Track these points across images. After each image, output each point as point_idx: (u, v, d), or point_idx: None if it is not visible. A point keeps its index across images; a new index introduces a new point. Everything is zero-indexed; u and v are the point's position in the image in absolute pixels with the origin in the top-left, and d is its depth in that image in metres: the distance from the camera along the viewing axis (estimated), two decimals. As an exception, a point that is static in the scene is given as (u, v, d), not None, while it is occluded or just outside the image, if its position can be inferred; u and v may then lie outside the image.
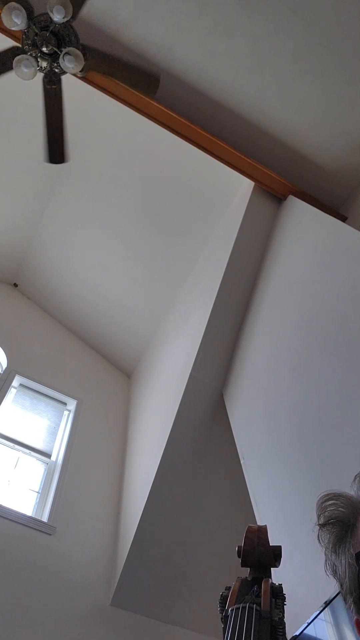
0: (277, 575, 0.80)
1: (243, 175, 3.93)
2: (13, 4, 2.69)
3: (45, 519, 3.81)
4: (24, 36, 2.87)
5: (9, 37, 3.29)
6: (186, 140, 3.77)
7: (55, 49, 2.88)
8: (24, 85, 3.32)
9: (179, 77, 3.61)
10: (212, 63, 3.54)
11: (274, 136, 3.84)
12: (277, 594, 0.75)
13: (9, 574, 3.33)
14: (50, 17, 2.73)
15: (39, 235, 5.46)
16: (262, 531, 0.84)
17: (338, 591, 1.91)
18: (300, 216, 3.71)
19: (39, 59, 2.92)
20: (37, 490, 4.16)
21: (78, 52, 2.84)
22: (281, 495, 2.64)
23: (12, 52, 2.92)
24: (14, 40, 3.27)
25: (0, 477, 4.07)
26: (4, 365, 5.01)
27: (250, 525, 0.85)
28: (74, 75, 3.12)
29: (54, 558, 3.60)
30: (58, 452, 4.50)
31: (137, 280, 5.23)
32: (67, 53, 2.84)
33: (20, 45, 2.93)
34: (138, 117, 3.70)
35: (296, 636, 2.11)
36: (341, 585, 0.66)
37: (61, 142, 3.22)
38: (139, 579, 3.57)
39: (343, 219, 3.90)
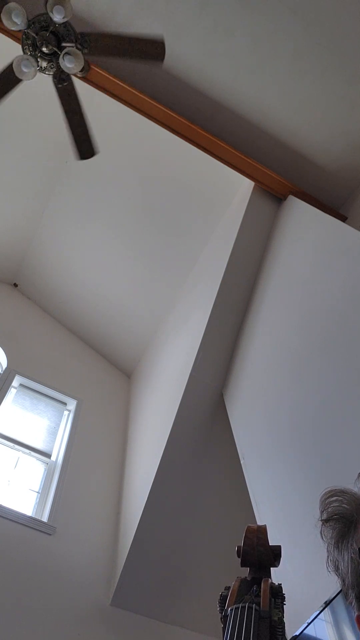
0: (277, 575, 0.81)
1: (243, 175, 3.93)
2: (13, 4, 2.69)
3: (45, 519, 3.81)
4: (24, 36, 2.87)
5: (9, 37, 3.29)
6: (186, 140, 3.77)
7: (55, 49, 2.88)
8: (24, 85, 3.31)
9: (179, 77, 3.61)
10: (212, 63, 3.54)
11: (274, 136, 3.84)
12: (277, 593, 0.75)
13: (9, 574, 3.33)
14: (50, 17, 2.73)
15: (39, 235, 5.46)
16: (262, 531, 0.84)
17: (338, 591, 1.92)
18: (300, 216, 3.71)
19: (39, 59, 2.92)
20: (37, 490, 4.16)
21: (78, 52, 2.84)
22: (281, 495, 2.64)
23: (13, 78, 2.91)
24: (14, 40, 3.27)
25: (0, 477, 4.07)
26: (4, 365, 5.01)
27: (250, 525, 0.85)
28: (74, 75, 3.11)
29: (54, 558, 3.60)
30: (58, 452, 4.50)
31: (137, 280, 5.23)
32: (67, 53, 2.84)
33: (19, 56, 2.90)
34: (138, 117, 3.70)
35: (296, 636, 2.11)
36: (343, 582, 0.66)
37: (87, 136, 3.20)
38: (139, 579, 3.57)
39: (343, 219, 3.90)
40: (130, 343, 5.61)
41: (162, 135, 3.81)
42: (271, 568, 0.82)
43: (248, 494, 2.95)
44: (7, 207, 5.27)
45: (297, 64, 3.48)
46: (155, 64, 3.12)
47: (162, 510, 3.59)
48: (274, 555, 0.82)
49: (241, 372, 3.54)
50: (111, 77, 3.51)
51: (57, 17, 2.70)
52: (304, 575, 2.22)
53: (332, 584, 1.93)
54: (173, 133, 3.74)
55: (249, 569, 0.82)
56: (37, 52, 2.90)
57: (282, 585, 0.77)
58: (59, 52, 2.88)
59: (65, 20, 2.73)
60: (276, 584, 0.76)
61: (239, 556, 0.82)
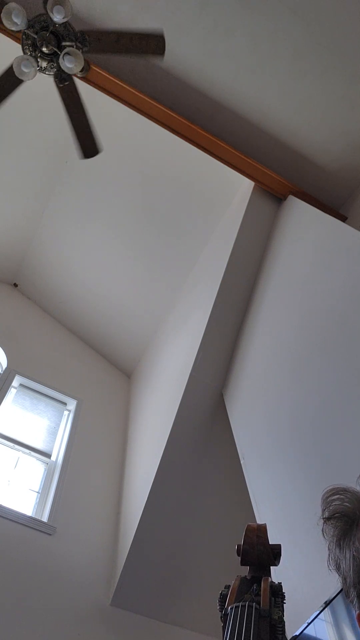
0: (277, 575, 0.80)
1: (243, 175, 3.93)
2: (13, 4, 2.69)
3: (45, 519, 3.81)
4: (23, 36, 2.87)
5: (9, 37, 3.29)
6: (186, 140, 3.77)
7: (55, 49, 2.88)
8: (24, 85, 3.31)
9: (179, 77, 3.61)
10: (212, 63, 3.54)
11: (274, 136, 3.84)
12: (277, 592, 0.75)
13: (9, 574, 3.33)
14: (50, 17, 2.73)
15: (39, 235, 5.46)
16: (262, 530, 0.84)
17: (338, 591, 1.92)
18: (300, 216, 3.71)
19: (39, 60, 2.92)
20: (37, 490, 4.16)
21: (78, 52, 2.84)
22: (281, 495, 2.64)
23: (14, 80, 2.91)
24: (14, 40, 3.27)
25: (0, 477, 4.07)
26: (4, 365, 5.01)
27: (250, 524, 0.85)
28: (74, 75, 3.11)
29: (54, 558, 3.60)
30: (58, 452, 4.50)
31: (137, 280, 5.23)
32: (67, 53, 2.84)
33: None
34: (138, 117, 3.70)
35: (296, 636, 2.11)
36: (344, 580, 0.66)
37: (90, 134, 3.20)
38: (139, 579, 3.56)
39: (343, 219, 3.91)
40: (130, 343, 5.61)
41: (162, 135, 3.81)
42: (271, 567, 0.82)
43: (248, 494, 2.95)
44: (7, 207, 5.27)
45: (297, 64, 3.48)
46: (155, 59, 3.09)
47: (162, 510, 3.59)
48: (274, 554, 0.82)
49: (241, 372, 3.54)
50: (111, 77, 3.52)
51: (57, 17, 2.71)
52: (304, 575, 2.22)
53: (332, 584, 1.93)
54: (173, 133, 3.74)
55: (248, 567, 0.82)
56: (37, 53, 2.90)
57: (282, 585, 0.77)
58: (59, 52, 2.88)
59: (65, 20, 2.73)
60: (276, 582, 0.76)
61: (238, 555, 0.82)
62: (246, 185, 4.19)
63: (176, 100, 3.68)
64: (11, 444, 4.34)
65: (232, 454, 3.28)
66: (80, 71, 2.95)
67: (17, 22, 2.73)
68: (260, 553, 0.81)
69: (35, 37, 2.82)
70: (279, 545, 0.83)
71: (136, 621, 3.50)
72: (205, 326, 3.76)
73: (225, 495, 3.67)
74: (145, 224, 4.84)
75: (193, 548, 3.68)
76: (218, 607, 0.75)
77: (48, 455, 4.48)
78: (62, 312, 5.81)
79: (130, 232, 4.96)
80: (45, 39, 2.84)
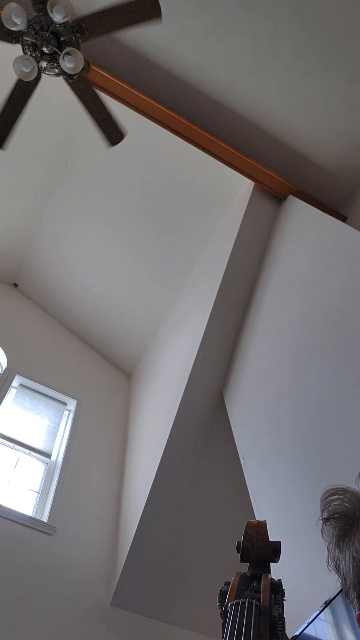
0: (277, 574, 0.80)
1: (243, 175, 3.93)
2: (13, 4, 2.69)
3: (45, 519, 3.81)
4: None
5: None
6: (186, 140, 3.77)
7: (56, 49, 2.88)
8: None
9: (179, 77, 3.61)
10: (212, 63, 3.54)
11: (274, 136, 3.84)
12: (277, 589, 0.75)
13: (9, 574, 3.33)
14: (50, 17, 2.73)
15: (39, 235, 5.46)
16: (262, 527, 0.84)
17: (338, 591, 1.92)
18: (300, 216, 3.71)
19: (39, 60, 2.92)
20: (37, 490, 4.16)
21: (78, 52, 2.84)
22: (281, 495, 2.64)
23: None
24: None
25: (0, 477, 4.07)
26: (4, 365, 5.01)
27: (250, 520, 0.85)
28: (67, 82, 3.10)
29: (54, 558, 3.60)
30: (58, 452, 4.50)
31: (137, 280, 5.23)
32: (67, 53, 2.84)
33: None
34: (138, 117, 3.70)
35: (296, 636, 2.11)
36: (344, 580, 0.65)
37: (112, 121, 3.17)
38: (139, 579, 3.56)
39: (343, 219, 3.91)
40: (130, 343, 5.61)
41: (162, 135, 3.81)
42: (271, 565, 0.82)
43: (248, 494, 2.95)
44: (7, 207, 5.27)
45: (297, 64, 3.48)
46: (155, 23, 3.00)
47: (162, 510, 3.59)
48: (274, 551, 0.82)
49: (241, 372, 3.54)
50: (111, 77, 3.52)
51: (57, 17, 2.71)
52: (303, 575, 2.22)
53: (332, 584, 1.93)
54: (173, 133, 3.74)
55: (248, 564, 0.82)
56: (37, 53, 2.90)
57: (282, 583, 0.77)
58: (59, 52, 2.88)
59: (65, 20, 2.74)
60: (276, 579, 0.76)
61: (238, 552, 0.82)
62: (246, 185, 4.19)
63: (176, 100, 3.68)
64: (11, 444, 4.34)
65: (232, 454, 3.27)
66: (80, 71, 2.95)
67: (17, 22, 2.73)
68: (260, 550, 0.81)
69: (36, 37, 2.82)
70: (279, 542, 0.82)
71: (136, 621, 3.50)
72: (205, 326, 3.76)
73: (225, 495, 3.67)
74: (145, 224, 4.84)
75: (193, 548, 3.68)
76: (218, 604, 0.74)
77: (48, 455, 4.48)
78: (62, 312, 5.81)
79: (130, 232, 4.96)
80: (45, 39, 2.84)
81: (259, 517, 2.76)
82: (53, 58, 2.91)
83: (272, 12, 3.26)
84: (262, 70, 3.54)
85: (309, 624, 2.07)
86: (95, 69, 3.43)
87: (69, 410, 5.03)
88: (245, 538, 0.82)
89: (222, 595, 0.75)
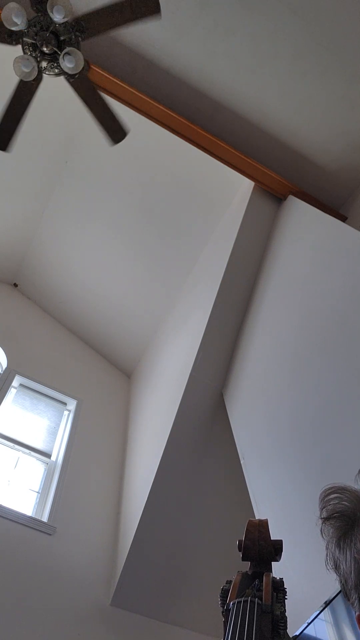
0: (277, 574, 0.80)
1: (243, 175, 3.93)
2: (13, 4, 2.69)
3: (45, 519, 3.81)
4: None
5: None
6: (186, 140, 3.77)
7: (56, 49, 2.88)
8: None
9: (179, 77, 3.61)
10: (212, 63, 3.54)
11: (274, 136, 3.84)
12: (278, 588, 0.74)
13: (9, 574, 3.33)
14: (50, 17, 2.73)
15: (39, 235, 5.46)
16: (263, 525, 0.84)
17: (338, 591, 1.92)
18: (300, 216, 3.71)
19: (39, 60, 2.92)
20: (37, 490, 4.16)
21: (78, 52, 2.84)
22: (281, 495, 2.64)
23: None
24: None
25: (0, 477, 4.07)
26: (4, 365, 5.01)
27: (251, 519, 0.84)
28: (68, 80, 3.11)
29: (54, 558, 3.60)
30: (58, 452, 4.50)
31: (137, 280, 5.23)
32: (67, 53, 2.84)
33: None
34: (138, 117, 3.70)
35: (296, 636, 2.11)
36: (345, 582, 0.65)
37: (113, 119, 3.17)
38: (139, 579, 3.56)
39: (343, 219, 3.91)
40: (130, 343, 5.61)
41: (162, 135, 3.81)
42: (272, 564, 0.82)
43: (248, 493, 2.95)
44: (7, 207, 5.27)
45: (297, 64, 3.48)
46: (154, 19, 3.00)
47: (162, 510, 3.59)
48: (275, 549, 0.82)
49: (241, 372, 3.54)
50: (111, 77, 3.52)
51: (57, 17, 2.71)
52: (304, 575, 2.22)
53: (332, 584, 1.93)
54: (173, 133, 3.74)
55: (249, 563, 0.82)
56: (37, 53, 2.90)
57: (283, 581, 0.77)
58: (59, 52, 2.88)
59: (65, 20, 2.74)
60: (278, 578, 0.76)
61: (240, 550, 0.82)
62: (246, 185, 4.19)
63: (176, 100, 3.68)
64: (11, 444, 4.34)
65: (232, 454, 3.27)
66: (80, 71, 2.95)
67: (17, 22, 2.73)
68: (261, 548, 0.81)
69: (35, 37, 2.82)
70: (281, 541, 0.82)
71: (136, 621, 3.50)
72: (205, 326, 3.76)
73: (225, 495, 3.67)
74: (145, 224, 4.84)
75: (193, 548, 3.68)
76: (219, 602, 0.74)
77: (48, 455, 4.48)
78: (62, 312, 5.81)
79: (130, 232, 4.96)
80: (45, 39, 2.84)
81: (258, 516, 2.76)
82: (53, 58, 2.91)
83: (272, 12, 3.26)
84: (262, 70, 3.54)
85: (309, 624, 2.07)
86: (95, 69, 3.43)
87: (69, 410, 5.03)
88: (247, 536, 0.82)
89: (224, 594, 0.75)
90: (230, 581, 0.77)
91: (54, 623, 3.22)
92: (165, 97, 3.66)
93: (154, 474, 3.58)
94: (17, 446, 4.36)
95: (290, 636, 2.00)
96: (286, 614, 0.71)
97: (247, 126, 3.81)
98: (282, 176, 3.94)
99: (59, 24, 2.79)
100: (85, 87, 3.05)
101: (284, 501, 2.60)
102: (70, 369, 5.40)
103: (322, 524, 0.68)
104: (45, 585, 3.40)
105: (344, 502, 0.67)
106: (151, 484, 3.56)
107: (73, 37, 2.84)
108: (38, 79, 2.98)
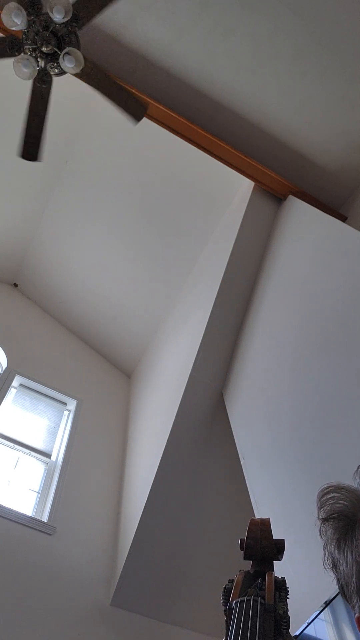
0: (277, 574, 0.80)
1: (243, 175, 3.93)
2: (13, 4, 2.69)
3: (45, 519, 3.80)
4: (23, 36, 2.87)
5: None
6: (186, 140, 3.77)
7: (55, 49, 2.88)
8: (24, 85, 3.32)
9: (179, 77, 3.61)
10: (212, 63, 3.54)
11: (274, 136, 3.84)
12: (281, 587, 0.74)
13: (9, 574, 3.33)
14: (50, 17, 2.73)
15: (39, 235, 5.46)
16: (265, 524, 0.84)
17: (338, 591, 1.92)
18: (300, 216, 3.71)
19: (38, 59, 2.92)
20: (37, 490, 4.16)
21: (78, 52, 2.84)
22: (281, 495, 2.64)
23: (10, 42, 2.89)
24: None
25: (0, 477, 4.07)
26: (4, 365, 5.01)
27: (253, 518, 0.84)
28: (74, 75, 3.11)
29: (54, 558, 3.59)
30: (58, 452, 4.50)
31: (137, 280, 5.23)
32: (67, 53, 2.84)
33: (16, 37, 2.90)
34: (138, 117, 3.69)
35: (296, 636, 2.11)
36: (345, 583, 0.64)
37: (39, 141, 3.23)
38: (139, 579, 3.56)
39: (343, 219, 3.91)
40: (130, 343, 5.61)
41: (162, 135, 3.81)
42: (273, 563, 0.82)
43: (248, 493, 2.95)
44: (7, 207, 5.27)
45: (297, 64, 3.48)
46: (131, 120, 3.20)
47: (162, 510, 3.59)
48: (278, 548, 0.81)
49: (241, 372, 3.54)
50: (111, 77, 3.51)
51: (57, 17, 2.71)
52: (304, 575, 2.22)
53: (332, 584, 1.93)
54: (173, 133, 3.74)
55: (251, 562, 0.82)
56: (37, 52, 2.90)
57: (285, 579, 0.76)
58: (59, 52, 2.88)
59: (65, 20, 2.74)
60: (280, 577, 0.76)
61: (242, 549, 0.81)
62: (246, 185, 4.19)
63: (176, 100, 3.68)
64: (11, 444, 4.34)
65: (232, 454, 3.27)
66: (80, 71, 2.95)
67: (17, 21, 2.73)
68: (264, 547, 0.80)
69: (36, 36, 2.82)
70: (283, 540, 0.82)
71: (136, 621, 3.50)
72: (205, 326, 3.76)
73: (225, 495, 3.67)
74: (145, 224, 4.84)
75: (193, 548, 3.68)
76: (222, 601, 0.74)
77: (48, 455, 4.48)
78: (62, 312, 5.81)
79: (130, 232, 4.96)
80: (45, 38, 2.84)
81: (259, 516, 2.76)
82: (53, 58, 2.91)
83: (272, 12, 3.26)
84: (262, 70, 3.54)
85: (309, 624, 2.07)
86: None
87: (69, 410, 5.03)
88: (249, 535, 0.82)
89: (226, 592, 0.75)
90: (233, 580, 0.77)
91: (54, 623, 3.22)
92: (165, 97, 3.66)
93: (154, 474, 3.57)
94: (17, 446, 4.36)
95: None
96: (289, 613, 0.71)
97: (247, 126, 3.81)
98: (282, 176, 3.94)
99: (59, 24, 2.79)
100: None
101: (284, 501, 2.60)
102: (70, 369, 5.40)
103: (321, 524, 0.67)
104: (45, 585, 3.40)
105: (341, 502, 0.66)
106: (151, 484, 3.56)
107: (70, 28, 2.83)
108: (48, 82, 2.99)
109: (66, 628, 3.23)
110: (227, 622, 0.70)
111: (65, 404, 5.09)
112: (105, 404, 5.27)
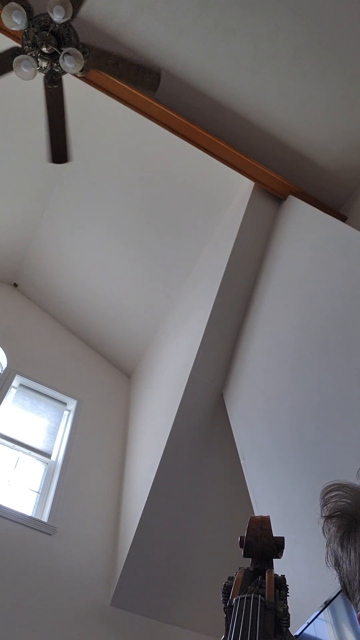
0: (277, 573, 0.80)
1: (243, 175, 3.93)
2: (13, 4, 2.70)
3: (45, 519, 3.80)
4: (24, 36, 2.87)
5: (9, 37, 3.29)
6: (186, 140, 3.77)
7: (55, 49, 2.88)
8: (24, 85, 3.32)
9: (179, 77, 3.61)
10: (212, 63, 3.54)
11: (274, 136, 3.84)
12: (281, 585, 0.74)
13: (9, 574, 3.33)
14: (50, 17, 2.73)
15: (39, 235, 5.46)
16: (265, 522, 0.83)
17: (338, 591, 1.92)
18: (300, 216, 3.71)
19: (39, 59, 2.93)
20: (37, 490, 4.15)
21: (78, 52, 2.84)
22: (281, 495, 2.64)
23: (12, 53, 2.92)
24: (14, 40, 3.27)
25: (0, 477, 4.07)
26: (4, 365, 5.01)
27: (253, 516, 0.84)
28: (74, 75, 3.12)
29: (54, 558, 3.59)
30: (58, 452, 4.50)
31: (137, 280, 5.23)
32: (67, 53, 2.84)
33: (20, 46, 2.92)
34: (138, 117, 3.70)
35: (296, 636, 2.11)
36: (349, 581, 0.64)
37: (64, 142, 3.21)
38: (139, 579, 3.56)
39: (343, 219, 3.91)
40: (130, 343, 5.61)
41: (162, 135, 3.81)
42: (273, 561, 0.82)
43: (248, 493, 2.95)
44: (7, 207, 5.27)
45: (297, 64, 3.48)
46: (148, 92, 3.15)
47: (162, 510, 3.59)
48: (277, 546, 0.81)
49: (241, 372, 3.54)
50: (111, 77, 3.51)
51: (57, 17, 2.71)
52: (304, 574, 2.22)
53: (332, 584, 1.93)
54: (173, 133, 3.74)
55: (251, 560, 0.82)
56: (37, 52, 2.91)
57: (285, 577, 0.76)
58: (59, 52, 2.89)
59: (66, 20, 2.74)
60: (280, 575, 0.76)
61: (241, 547, 0.81)
62: (246, 185, 4.19)
63: (176, 100, 3.68)
64: (11, 444, 4.34)
65: (232, 454, 3.27)
66: (80, 71, 2.95)
67: (17, 21, 2.73)
68: (263, 545, 0.80)
69: (36, 36, 2.82)
70: (282, 538, 0.82)
71: (136, 621, 3.50)
72: (205, 326, 3.76)
73: (225, 495, 3.67)
74: (145, 224, 4.84)
75: (193, 548, 3.67)
76: (222, 599, 0.74)
77: (48, 455, 4.47)
78: (62, 312, 5.81)
79: (130, 232, 4.96)
80: (45, 38, 2.84)
81: (259, 516, 2.76)
82: (53, 57, 2.92)
83: (272, 12, 3.26)
84: (262, 70, 3.54)
85: (309, 624, 2.07)
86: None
87: (69, 410, 5.03)
88: (249, 533, 0.82)
89: (226, 590, 0.75)
90: (232, 577, 0.77)
91: (54, 623, 3.22)
92: (165, 97, 3.66)
93: (154, 474, 3.57)
94: (17, 446, 4.36)
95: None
96: (289, 611, 0.71)
97: (247, 126, 3.81)
98: (282, 176, 3.94)
99: (59, 24, 2.79)
100: (57, 100, 3.10)
101: (284, 501, 2.60)
102: (70, 369, 5.40)
103: (324, 522, 0.67)
104: (45, 585, 3.40)
105: (345, 500, 0.66)
106: (151, 484, 3.56)
107: (73, 37, 2.84)
108: (59, 83, 3.00)
109: (66, 628, 3.23)
110: (227, 620, 0.70)
111: (65, 404, 5.09)
112: (105, 404, 5.27)
